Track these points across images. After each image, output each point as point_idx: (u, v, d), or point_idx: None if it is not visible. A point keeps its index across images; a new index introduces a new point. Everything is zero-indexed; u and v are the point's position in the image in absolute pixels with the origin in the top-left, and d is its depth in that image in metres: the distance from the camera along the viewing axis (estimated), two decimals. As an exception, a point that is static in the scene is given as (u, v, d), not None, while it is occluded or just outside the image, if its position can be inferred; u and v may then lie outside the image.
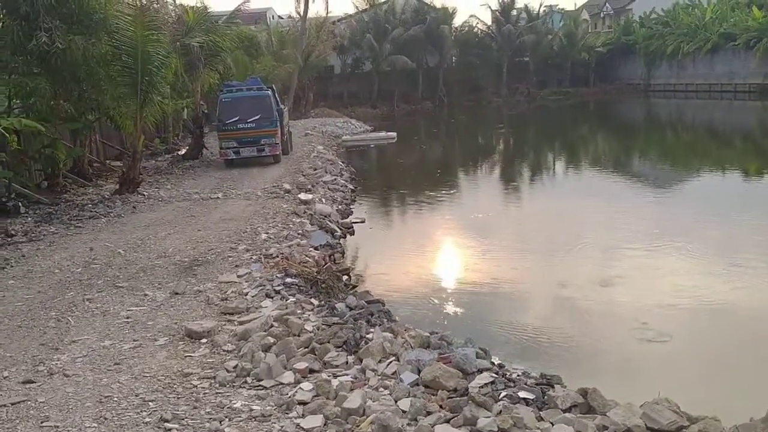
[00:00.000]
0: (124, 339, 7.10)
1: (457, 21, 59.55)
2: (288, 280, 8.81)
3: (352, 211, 17.38)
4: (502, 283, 11.50)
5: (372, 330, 7.01)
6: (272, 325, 7.07)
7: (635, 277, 11.51)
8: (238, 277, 9.32)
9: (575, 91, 57.63)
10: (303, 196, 16.24)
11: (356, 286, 10.99)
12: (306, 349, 6.50)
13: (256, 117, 22.09)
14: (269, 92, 23.25)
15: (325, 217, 15.12)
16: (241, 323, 7.24)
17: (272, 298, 8.24)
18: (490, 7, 59.79)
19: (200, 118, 26.10)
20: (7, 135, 13.23)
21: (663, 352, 8.42)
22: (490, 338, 8.77)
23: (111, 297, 8.69)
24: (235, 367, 6.20)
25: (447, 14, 57.82)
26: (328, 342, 6.61)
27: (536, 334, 8.98)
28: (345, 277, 11.21)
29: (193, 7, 25.75)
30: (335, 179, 20.16)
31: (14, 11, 14.69)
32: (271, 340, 6.57)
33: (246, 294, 8.48)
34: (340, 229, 15.01)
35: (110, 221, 14.57)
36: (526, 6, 60.27)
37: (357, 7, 59.17)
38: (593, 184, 22.20)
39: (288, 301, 8.04)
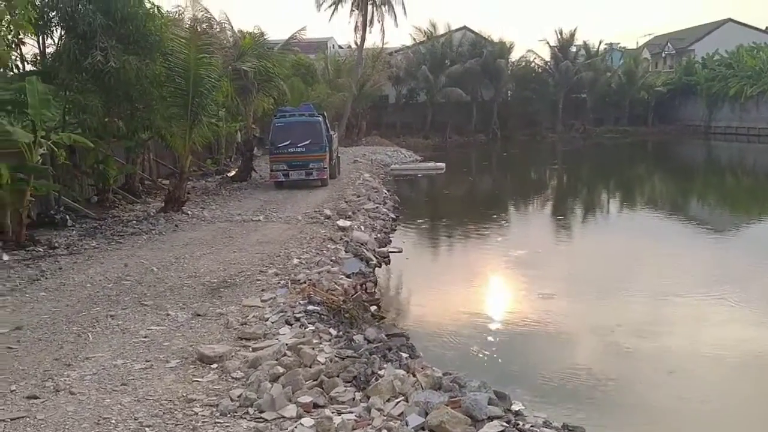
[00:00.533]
0: (137, 358, 7.01)
1: (514, 55, 59.37)
2: (310, 307, 8.61)
3: (390, 240, 17.16)
4: (538, 324, 11.02)
5: (385, 366, 6.72)
6: (285, 354, 6.86)
7: (680, 326, 10.98)
8: (263, 301, 9.18)
9: (633, 130, 56.41)
10: (341, 222, 16.13)
11: (384, 317, 10.75)
12: (314, 382, 6.25)
13: (307, 142, 22.84)
14: (320, 119, 23.93)
15: (362, 244, 14.95)
16: (254, 350, 7.07)
17: (291, 325, 8.05)
18: (548, 43, 59.46)
19: (251, 141, 26.48)
20: (56, 150, 13.52)
21: (699, 410, 7.85)
22: (517, 381, 8.39)
23: (134, 315, 8.65)
24: (239, 396, 6.00)
25: (504, 48, 57.68)
26: (338, 376, 6.35)
27: (567, 380, 8.52)
28: (374, 308, 10.99)
29: (251, 33, 26.24)
30: (377, 207, 20.03)
31: (72, 30, 15.19)
32: (281, 369, 6.35)
33: (267, 319, 8.32)
34: (376, 257, 14.80)
35: (151, 238, 14.72)
36: (585, 43, 59.68)
37: (414, 39, 59.66)
38: (647, 225, 21.32)
39: (306, 330, 7.82)
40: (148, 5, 16.65)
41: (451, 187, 31.02)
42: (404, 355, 8.22)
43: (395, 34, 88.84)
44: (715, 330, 10.62)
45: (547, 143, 54.58)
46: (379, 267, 14.56)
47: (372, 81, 49.60)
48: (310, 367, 6.63)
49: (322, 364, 6.66)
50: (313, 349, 7.05)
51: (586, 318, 11.39)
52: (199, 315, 8.53)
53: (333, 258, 12.77)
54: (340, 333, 7.84)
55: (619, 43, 72.07)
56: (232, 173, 26.55)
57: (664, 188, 31.50)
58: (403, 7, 44.72)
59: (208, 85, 17.26)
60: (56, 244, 13.88)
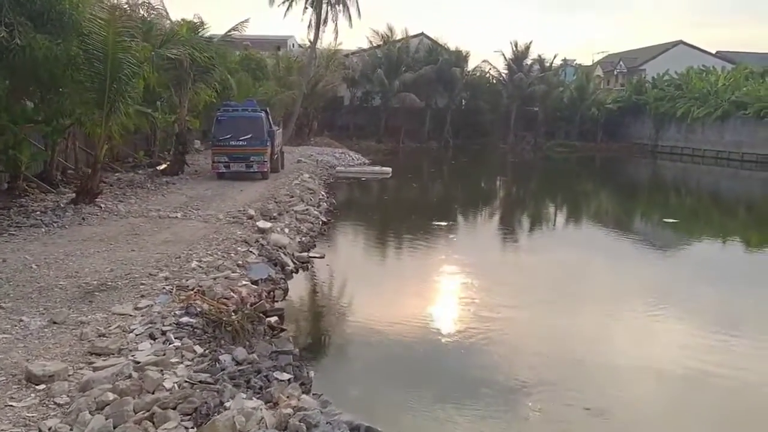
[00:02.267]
0: (-44, 374, 6.04)
1: (470, 65, 59.21)
2: (184, 319, 7.70)
3: (315, 245, 16.31)
4: (454, 340, 10.37)
5: (242, 395, 5.86)
6: (130, 376, 5.97)
7: (617, 339, 10.76)
8: (136, 309, 8.25)
9: (582, 146, 56.73)
10: (261, 223, 15.22)
11: (283, 330, 9.89)
12: (144, 414, 5.36)
13: (248, 136, 23.66)
14: (262, 114, 24.66)
15: (280, 248, 14.09)
16: (96, 369, 6.15)
17: (155, 339, 7.15)
18: (503, 54, 59.47)
19: (184, 133, 25.31)
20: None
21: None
22: (415, 403, 7.73)
23: (-19, 319, 7.63)
24: (50, 428, 5.09)
25: (460, 57, 57.53)
26: (175, 408, 5.46)
27: (470, 407, 7.84)
28: (274, 318, 10.13)
29: (189, 21, 25.10)
30: (307, 209, 19.17)
31: (-26, 3, 13.90)
32: (111, 397, 5.45)
33: (131, 331, 7.40)
34: (294, 262, 13.97)
35: (49, 231, 13.59)
36: (539, 56, 59.84)
37: (371, 42, 59.08)
38: (589, 240, 21.01)
39: (169, 346, 6.94)
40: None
41: (393, 193, 30.36)
42: (286, 376, 7.41)
43: (352, 36, 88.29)
44: (656, 345, 10.27)
45: (497, 154, 54.55)
46: (296, 273, 13.73)
47: (325, 81, 48.71)
48: (153, 393, 5.75)
49: (167, 390, 5.78)
50: (162, 372, 6.17)
51: (510, 335, 10.72)
52: (55, 323, 7.56)
53: (239, 262, 11.88)
54: (206, 352, 6.96)
55: (575, 60, 72.74)
56: (163, 166, 25.28)
57: (609, 204, 31.42)
58: (358, 9, 44.06)
59: (127, 70, 16.14)
60: (-62, 234, 12.67)
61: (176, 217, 16.20)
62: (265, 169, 24.29)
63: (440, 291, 13.70)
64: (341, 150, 42.34)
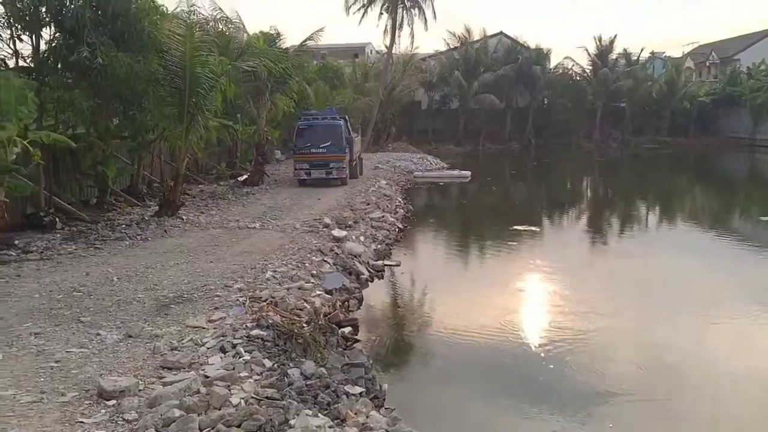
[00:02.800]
0: (32, 389, 6.10)
1: (551, 62, 57.70)
2: (254, 332, 7.59)
3: (390, 253, 16.08)
4: (543, 353, 9.71)
5: (306, 412, 5.62)
6: (198, 391, 5.87)
7: (717, 349, 10.05)
8: (209, 321, 8.21)
9: (673, 141, 54.13)
10: (336, 232, 15.12)
11: (357, 341, 9.67)
12: (209, 432, 5.23)
13: (328, 143, 24.35)
14: (341, 122, 25.28)
15: (355, 257, 13.93)
16: (165, 384, 6.08)
17: (226, 353, 7.05)
18: (587, 50, 57.60)
19: (263, 144, 25.69)
20: (31, 149, 12.82)
21: None
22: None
23: (63, 333, 7.78)
24: (115, 446, 5.04)
25: (541, 55, 56.16)
26: (239, 425, 5.28)
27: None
28: (348, 329, 9.93)
29: (265, 33, 25.50)
30: (383, 216, 18.95)
31: (60, 25, 14.53)
32: (177, 413, 5.34)
33: (203, 344, 7.35)
34: (369, 271, 13.77)
35: (133, 245, 13.95)
36: (625, 50, 57.60)
37: (448, 45, 58.58)
38: (688, 242, 19.57)
39: (239, 360, 6.82)
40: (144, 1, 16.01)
41: (472, 197, 29.77)
42: (357, 390, 7.16)
43: (429, 39, 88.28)
44: (750, 358, 9.52)
45: (582, 153, 52.79)
46: (371, 282, 13.51)
47: (402, 86, 48.59)
48: (219, 409, 5.61)
49: (234, 407, 5.63)
50: (229, 388, 6.02)
51: (600, 345, 10.05)
52: (130, 336, 7.61)
53: (314, 272, 11.77)
54: (275, 366, 6.79)
55: (664, 52, 69.50)
56: (244, 177, 25.76)
57: (705, 202, 29.55)
58: (433, 11, 43.71)
59: (205, 84, 16.46)
60: (31, 248, 13.20)
61: (254, 227, 16.34)
62: (344, 176, 24.90)
63: (523, 299, 12.99)
64: (419, 155, 42.01)
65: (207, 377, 6.30)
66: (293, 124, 37.63)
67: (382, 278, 13.93)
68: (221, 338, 7.43)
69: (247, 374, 6.52)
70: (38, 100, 14.28)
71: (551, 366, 9.24)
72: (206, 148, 27.92)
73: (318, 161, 24.53)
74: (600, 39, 57.10)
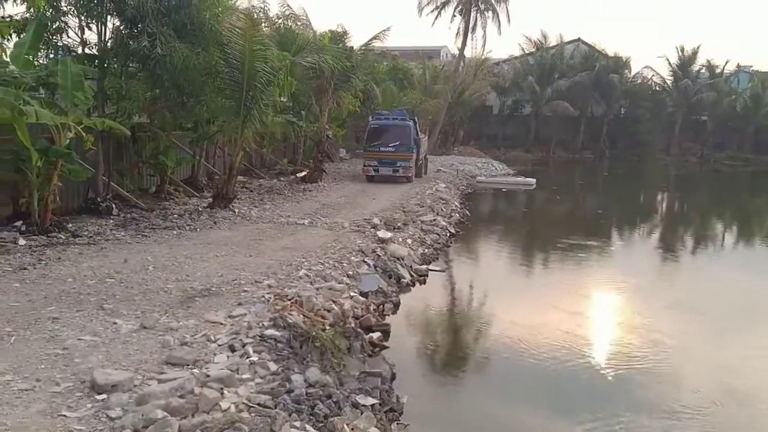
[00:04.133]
0: (29, 376, 6.00)
1: (630, 71, 55.64)
2: (269, 331, 7.31)
3: (437, 258, 15.61)
4: (591, 374, 9.05)
5: (294, 425, 5.27)
6: (192, 391, 5.62)
7: None
8: (229, 317, 8.01)
9: (757, 159, 51.28)
10: (381, 233, 14.79)
11: (384, 347, 9.29)
12: (185, 440, 4.95)
13: (396, 143, 25.91)
14: (411, 123, 26.60)
15: (397, 259, 13.56)
16: (161, 381, 5.87)
17: (234, 352, 6.80)
18: (668, 60, 55.34)
19: (323, 142, 25.66)
20: (84, 135, 13.03)
21: None
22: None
23: (81, 319, 7.74)
24: (87, 445, 4.83)
25: (619, 63, 54.43)
26: (218, 435, 5.02)
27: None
28: (377, 335, 9.57)
29: (333, 30, 25.44)
30: (435, 220, 18.49)
31: (121, 13, 14.76)
32: (159, 415, 5.09)
33: (215, 341, 7.13)
34: (411, 275, 13.35)
35: (180, 234, 14.02)
36: (708, 62, 55.05)
37: (523, 50, 57.46)
38: (763, 264, 18.45)
39: (245, 360, 6.55)
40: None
41: (535, 205, 28.86)
42: (370, 401, 6.79)
43: (504, 44, 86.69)
44: None
45: (658, 166, 50.72)
46: (413, 286, 13.09)
47: (471, 89, 47.88)
48: (208, 413, 5.34)
49: (222, 412, 5.34)
50: (222, 390, 5.75)
51: (660, 368, 9.28)
52: (145, 327, 7.48)
53: (350, 272, 11.48)
54: (279, 369, 6.48)
55: (751, 66, 65.92)
56: (303, 174, 25.80)
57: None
58: (508, 15, 42.82)
59: (263, 79, 16.45)
60: (82, 233, 13.45)
61: (303, 223, 16.21)
62: (410, 174, 26.35)
63: (572, 316, 11.91)
64: (484, 159, 41.38)
65: (208, 376, 6.05)
66: (359, 123, 38.09)
67: (425, 284, 13.48)
68: (234, 336, 7.20)
69: (249, 376, 6.25)
70: (95, 88, 14.57)
71: (598, 387, 8.61)
72: (271, 144, 28.26)
73: (386, 159, 25.98)
74: (682, 49, 54.96)
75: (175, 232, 14.26)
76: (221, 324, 7.75)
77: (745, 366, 9.64)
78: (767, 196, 37.38)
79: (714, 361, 9.87)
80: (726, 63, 55.54)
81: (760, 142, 53.24)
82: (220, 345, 7.01)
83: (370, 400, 6.81)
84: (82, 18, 15.37)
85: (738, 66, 58.18)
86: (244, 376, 6.23)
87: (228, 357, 6.66)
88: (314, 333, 7.63)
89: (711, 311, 12.35)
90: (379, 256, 13.12)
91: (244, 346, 6.92)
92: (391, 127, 26.20)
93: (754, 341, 10.84)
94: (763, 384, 9.06)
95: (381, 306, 10.98)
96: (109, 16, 15.34)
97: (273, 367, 6.50)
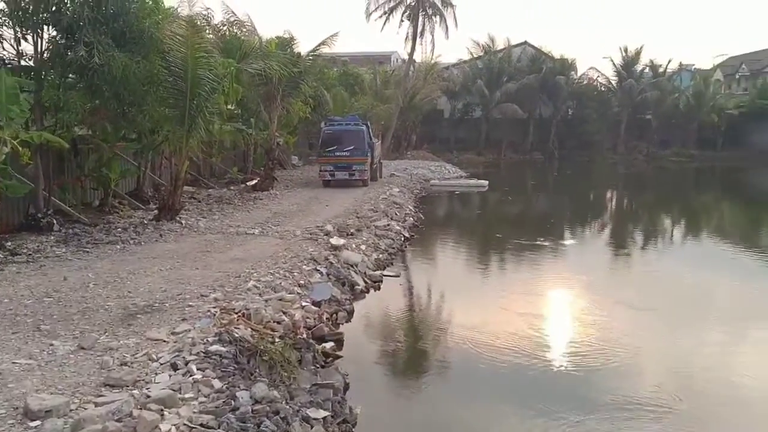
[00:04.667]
0: (-42, 404, 5.63)
1: (576, 73, 56.70)
2: (213, 347, 7.05)
3: (392, 263, 15.48)
4: (542, 377, 8.95)
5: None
6: (130, 414, 5.34)
7: (747, 367, 9.43)
8: (172, 334, 7.70)
9: (700, 155, 52.79)
10: (334, 240, 14.58)
11: (338, 357, 9.09)
12: (118, 465, 4.70)
13: (351, 147, 26.35)
14: (364, 128, 27.13)
15: (351, 266, 13.38)
16: (97, 405, 5.56)
17: (177, 370, 6.52)
18: (612, 60, 56.59)
19: (274, 149, 25.33)
20: (20, 149, 12.48)
21: None
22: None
23: (16, 342, 7.35)
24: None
25: (565, 65, 55.31)
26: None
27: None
28: (330, 345, 9.37)
29: (279, 37, 25.16)
30: (389, 224, 18.37)
31: (57, 23, 14.26)
32: (93, 441, 4.83)
33: (157, 360, 6.83)
34: (365, 281, 13.19)
35: (123, 249, 13.57)
36: (651, 61, 56.44)
37: (471, 54, 58.04)
38: (712, 257, 18.68)
39: (188, 378, 6.28)
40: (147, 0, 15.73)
41: (487, 207, 29.06)
42: (322, 414, 6.60)
43: (452, 48, 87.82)
44: None
45: (606, 165, 51.73)
46: (367, 293, 12.92)
47: (422, 94, 48.08)
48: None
49: (161, 435, 5.10)
50: (162, 412, 5.48)
51: (633, 368, 9.31)
52: (83, 348, 7.12)
53: (301, 282, 11.25)
54: (224, 387, 6.23)
55: (693, 65, 68.05)
56: (253, 182, 25.41)
57: (732, 218, 28.29)
58: (455, 19, 43.13)
59: (207, 86, 16.09)
60: (21, 250, 12.91)
61: (253, 233, 15.90)
62: (366, 177, 27.03)
63: (528, 316, 11.73)
64: (437, 163, 41.49)
65: (148, 397, 5.77)
66: (311, 129, 37.83)
67: (380, 290, 13.33)
68: (177, 353, 6.91)
69: (192, 395, 5.98)
70: (32, 100, 14.03)
71: (556, 387, 8.57)
72: (220, 153, 27.77)
73: (342, 163, 26.49)
74: (626, 49, 56.18)
75: (118, 246, 13.81)
76: (164, 341, 7.44)
77: (701, 360, 9.78)
78: (712, 192, 38.35)
79: (670, 357, 9.94)
80: (668, 62, 57.14)
81: (703, 139, 54.79)
82: (162, 364, 6.71)
83: (321, 413, 6.61)
84: (17, 29, 14.82)
85: (680, 65, 59.89)
86: (186, 396, 5.95)
87: (170, 376, 6.37)
88: (262, 346, 7.38)
89: (663, 307, 12.47)
90: (331, 263, 12.92)
91: (187, 363, 6.63)
92: (344, 132, 26.66)
93: (707, 336, 10.97)
94: (718, 377, 9.16)
95: (334, 315, 10.77)
96: (44, 27, 14.83)
97: (217, 384, 6.24)
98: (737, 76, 63.23)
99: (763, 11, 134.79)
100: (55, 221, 15.44)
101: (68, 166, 17.41)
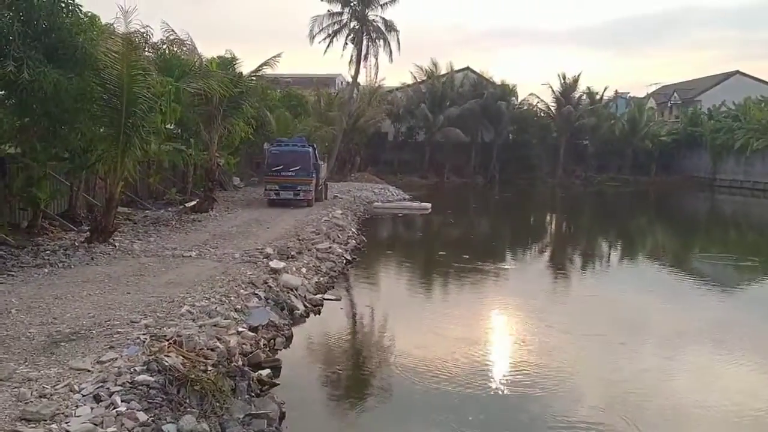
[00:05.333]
0: None
1: (517, 98, 58.04)
2: (140, 377, 6.73)
3: (333, 286, 15.29)
4: (482, 403, 8.89)
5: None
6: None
7: (681, 385, 9.86)
8: (98, 363, 7.31)
9: (635, 180, 54.62)
10: (274, 263, 14.31)
11: (275, 385, 8.83)
12: None
13: (297, 167, 26.80)
14: (310, 150, 27.68)
15: (291, 290, 13.15)
16: (10, 442, 5.22)
17: (100, 402, 6.18)
18: (551, 87, 58.12)
19: (213, 170, 24.85)
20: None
21: None
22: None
23: None
24: None
25: (506, 90, 56.53)
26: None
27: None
28: (267, 371, 9.10)
29: (221, 56, 24.84)
30: (330, 247, 18.20)
31: (-16, 38, 13.63)
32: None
33: (79, 391, 6.46)
34: (305, 305, 12.97)
35: (52, 272, 12.96)
36: (589, 88, 58.27)
37: (415, 78, 58.62)
38: (645, 279, 19.26)
39: (112, 411, 5.96)
40: (82, 16, 15.25)
41: (429, 230, 29.20)
42: (254, 446, 6.34)
43: (395, 72, 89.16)
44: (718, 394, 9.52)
45: (546, 188, 52.92)
46: (307, 317, 12.69)
47: (366, 116, 48.24)
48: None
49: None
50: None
51: (574, 390, 9.31)
52: (0, 380, 6.68)
53: (238, 306, 10.94)
54: (150, 420, 5.93)
55: (628, 92, 70.62)
56: (192, 203, 24.82)
57: (665, 240, 29.17)
58: (398, 44, 43.35)
59: (143, 105, 15.66)
60: (-60, 275, 12.17)
61: (190, 256, 15.47)
62: (311, 197, 27.41)
63: (468, 340, 11.79)
64: (381, 185, 41.56)
65: (67, 432, 5.43)
66: (254, 150, 37.41)
67: (320, 314, 13.12)
68: (101, 384, 6.55)
69: (115, 430, 5.66)
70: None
71: (500, 411, 8.59)
72: (158, 173, 27.09)
73: (287, 183, 26.89)
74: (564, 76, 57.78)
75: (46, 270, 13.19)
76: (88, 371, 7.05)
77: (643, 381, 9.95)
78: (647, 215, 39.59)
79: (609, 380, 10.11)
80: (605, 89, 59.02)
81: (638, 165, 56.70)
82: (84, 395, 6.34)
83: (253, 446, 6.36)
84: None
85: (616, 92, 62.06)
86: (108, 430, 5.64)
87: (92, 408, 6.02)
88: (194, 375, 7.09)
89: (601, 330, 12.70)
90: (270, 287, 12.66)
91: (111, 395, 6.29)
92: (291, 153, 27.12)
93: (645, 359, 11.16)
94: (658, 399, 9.29)
95: (272, 340, 10.52)
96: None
97: (143, 417, 5.93)
98: (669, 104, 65.90)
99: (694, 43, 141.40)
100: (-23, 243, 14.68)
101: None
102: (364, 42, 42.82)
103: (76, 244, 16.09)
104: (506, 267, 20.26)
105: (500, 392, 9.26)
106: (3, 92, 14.75)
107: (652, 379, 10.11)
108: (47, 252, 14.88)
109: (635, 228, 32.95)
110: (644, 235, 30.60)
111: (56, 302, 10.31)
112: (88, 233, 16.77)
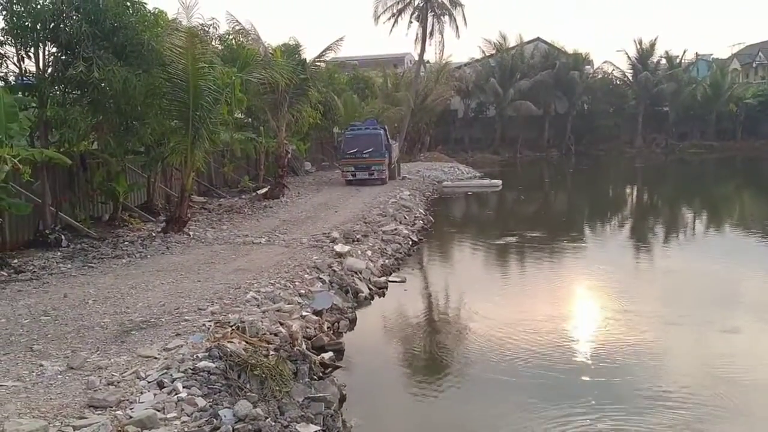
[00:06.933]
0: (-63, 430, 5.58)
1: (590, 67, 56.08)
2: (202, 363, 6.94)
3: (399, 268, 15.31)
4: (560, 392, 8.40)
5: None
6: (109, 437, 5.27)
7: None
8: (165, 350, 7.61)
9: (720, 145, 51.97)
10: (339, 247, 14.44)
11: (338, 368, 8.94)
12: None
13: (370, 149, 28.77)
14: (381, 131, 29.51)
15: (355, 273, 13.24)
16: (75, 428, 5.48)
17: (163, 388, 6.43)
18: (626, 53, 55.85)
19: (283, 156, 25.26)
20: (21, 167, 12.52)
21: None
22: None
23: (6, 363, 7.28)
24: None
25: (579, 60, 54.77)
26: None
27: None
28: (329, 354, 9.23)
29: (284, 44, 25.13)
30: (396, 229, 18.19)
31: (56, 39, 14.32)
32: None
33: (145, 378, 6.74)
34: (369, 288, 13.04)
35: (129, 263, 13.56)
36: (667, 53, 55.62)
37: (484, 52, 57.62)
38: (737, 250, 18.10)
39: (173, 397, 6.18)
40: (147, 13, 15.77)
41: (499, 207, 28.76)
42: (312, 429, 6.47)
43: (463, 47, 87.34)
44: None
45: (625, 159, 51.08)
46: (372, 300, 12.78)
47: (434, 94, 47.79)
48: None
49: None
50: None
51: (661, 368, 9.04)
52: (72, 368, 7.05)
53: (302, 291, 11.12)
54: (207, 405, 6.12)
55: (710, 54, 66.86)
56: (264, 190, 25.37)
57: (754, 209, 27.54)
58: (464, 18, 42.71)
59: (209, 97, 16.05)
60: (27, 268, 12.94)
61: (260, 242, 15.84)
62: (384, 176, 29.28)
63: (545, 318, 11.38)
64: (450, 164, 41.21)
65: (130, 418, 5.68)
66: (324, 135, 37.90)
67: (384, 296, 13.16)
68: (165, 371, 6.81)
69: (175, 415, 5.87)
70: (33, 118, 14.10)
71: (584, 388, 8.33)
72: (232, 162, 27.83)
73: (362, 164, 28.83)
74: (640, 42, 55.52)
75: (124, 260, 13.81)
76: (155, 358, 7.35)
77: (738, 361, 9.41)
78: (732, 183, 37.61)
79: (698, 356, 9.70)
80: (684, 53, 56.33)
81: (722, 130, 53.98)
82: (149, 382, 6.61)
83: (311, 428, 6.47)
84: (18, 47, 14.91)
85: (696, 55, 59.00)
86: (169, 416, 5.85)
87: (155, 395, 6.27)
88: (254, 360, 7.26)
89: (688, 306, 12.09)
90: (335, 271, 12.79)
91: (173, 381, 6.53)
92: (364, 136, 28.91)
93: (735, 334, 10.65)
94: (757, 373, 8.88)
95: (336, 324, 10.63)
96: (44, 43, 14.89)
97: (201, 402, 6.12)
98: (754, 65, 62.13)
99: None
100: (63, 237, 15.49)
101: (76, 181, 17.49)
102: (429, 19, 42.44)
103: (153, 234, 16.74)
104: (582, 244, 19.57)
105: (585, 370, 8.95)
106: (77, 92, 15.47)
107: (748, 357, 9.56)
108: (125, 243, 15.56)
109: (724, 197, 31.30)
110: (734, 205, 29.01)
111: (131, 292, 10.77)
112: (164, 224, 17.43)
